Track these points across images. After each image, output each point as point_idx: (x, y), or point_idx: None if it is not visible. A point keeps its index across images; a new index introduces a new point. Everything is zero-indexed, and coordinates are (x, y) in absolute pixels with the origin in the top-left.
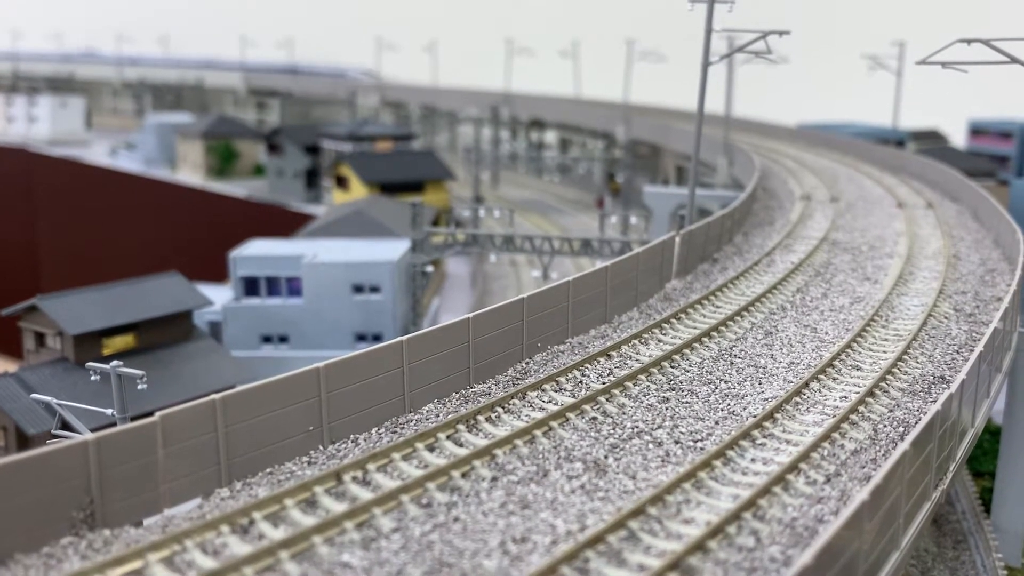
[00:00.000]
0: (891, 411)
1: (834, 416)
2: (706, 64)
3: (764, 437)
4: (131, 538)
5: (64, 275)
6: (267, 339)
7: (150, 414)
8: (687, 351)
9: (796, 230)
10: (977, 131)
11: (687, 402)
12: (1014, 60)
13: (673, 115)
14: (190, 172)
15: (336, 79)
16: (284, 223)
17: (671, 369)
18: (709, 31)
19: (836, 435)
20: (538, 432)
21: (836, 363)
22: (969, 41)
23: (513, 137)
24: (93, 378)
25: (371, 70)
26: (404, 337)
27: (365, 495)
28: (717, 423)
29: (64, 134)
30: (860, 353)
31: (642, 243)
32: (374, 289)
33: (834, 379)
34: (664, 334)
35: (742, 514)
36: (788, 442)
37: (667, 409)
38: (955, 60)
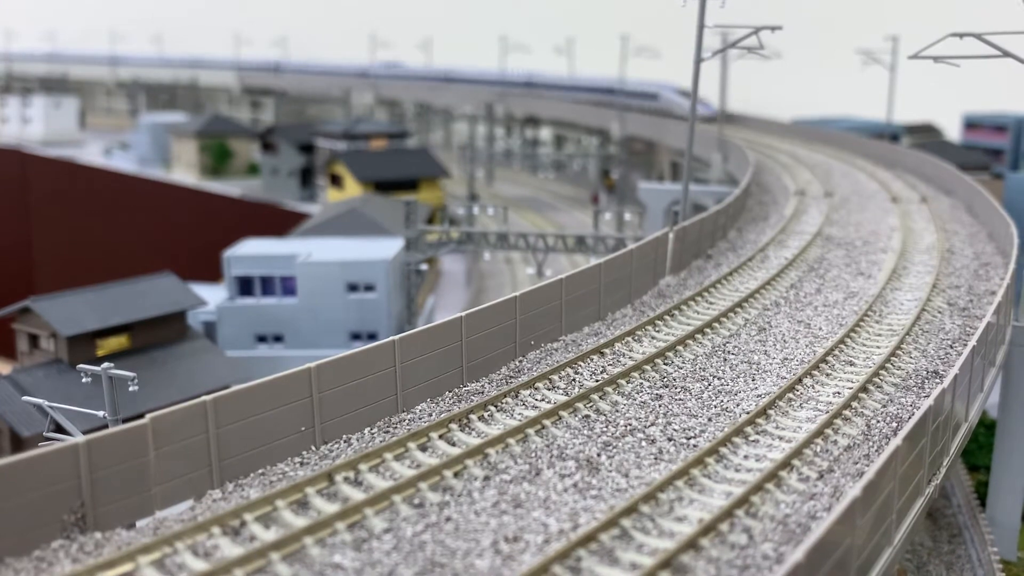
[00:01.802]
0: (884, 406)
1: (827, 412)
2: (698, 60)
3: (757, 434)
4: (122, 541)
5: (58, 276)
6: (262, 339)
7: (145, 415)
8: (680, 348)
9: (790, 225)
10: (971, 125)
11: (680, 399)
12: (1007, 54)
13: (668, 111)
14: (184, 171)
15: (650, 101)
16: (278, 222)
17: (664, 366)
18: (701, 26)
19: (829, 431)
20: (531, 430)
21: (829, 359)
22: (961, 35)
23: (508, 134)
24: (84, 380)
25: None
26: (396, 336)
27: (357, 495)
28: (710, 420)
29: (58, 134)
30: (854, 348)
31: (636, 239)
32: (369, 288)
33: (827, 375)
34: (658, 331)
35: (735, 511)
36: (781, 438)
37: (660, 406)
38: (947, 54)
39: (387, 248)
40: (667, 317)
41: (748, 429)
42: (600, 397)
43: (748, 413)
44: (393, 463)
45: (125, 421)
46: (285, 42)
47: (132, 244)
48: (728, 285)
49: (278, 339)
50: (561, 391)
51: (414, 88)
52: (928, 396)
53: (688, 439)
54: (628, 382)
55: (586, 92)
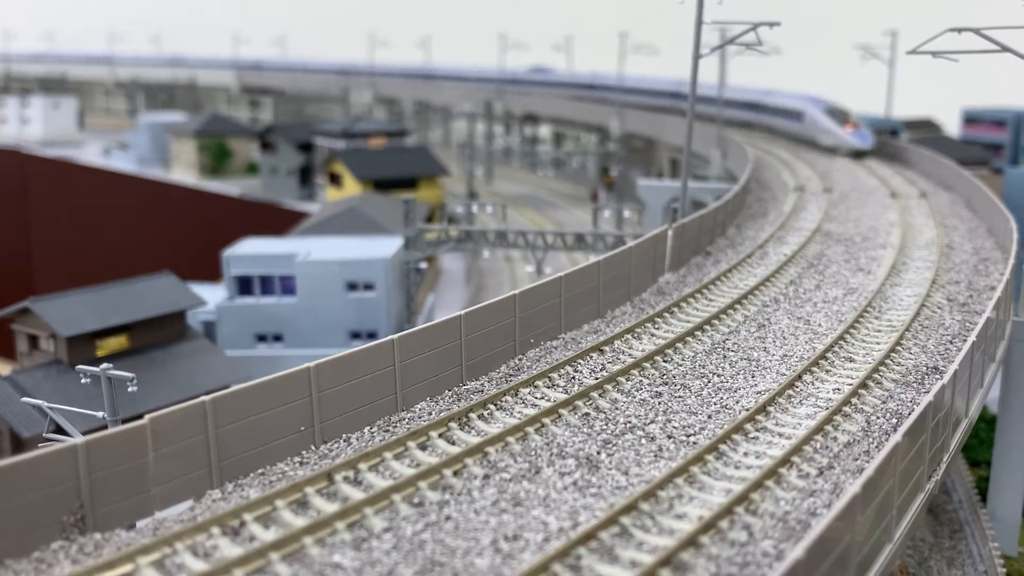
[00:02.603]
0: (884, 403)
1: (827, 408)
2: (696, 56)
3: (757, 431)
4: (122, 541)
5: (58, 276)
6: (261, 338)
7: (144, 416)
8: (680, 345)
9: (789, 222)
10: (971, 119)
11: (680, 396)
12: (1005, 49)
13: (667, 108)
14: (184, 171)
15: (794, 121)
16: (278, 221)
17: (664, 363)
18: (699, 23)
19: (829, 427)
20: (530, 429)
21: (829, 355)
22: (960, 30)
23: (507, 132)
24: (84, 381)
25: None
26: (395, 335)
27: (356, 495)
28: (710, 417)
29: (57, 135)
30: (853, 345)
31: (636, 237)
32: (368, 287)
33: (827, 371)
34: (657, 328)
35: (735, 508)
36: (781, 435)
37: (660, 404)
38: (946, 50)
39: (386, 247)
40: (666, 314)
41: (748, 426)
42: (600, 395)
43: (748, 410)
44: (393, 462)
45: (124, 422)
46: (284, 41)
47: (131, 244)
48: (727, 282)
49: (278, 338)
50: (561, 389)
51: (412, 86)
52: (928, 392)
53: (688, 436)
54: (628, 379)
55: (737, 108)
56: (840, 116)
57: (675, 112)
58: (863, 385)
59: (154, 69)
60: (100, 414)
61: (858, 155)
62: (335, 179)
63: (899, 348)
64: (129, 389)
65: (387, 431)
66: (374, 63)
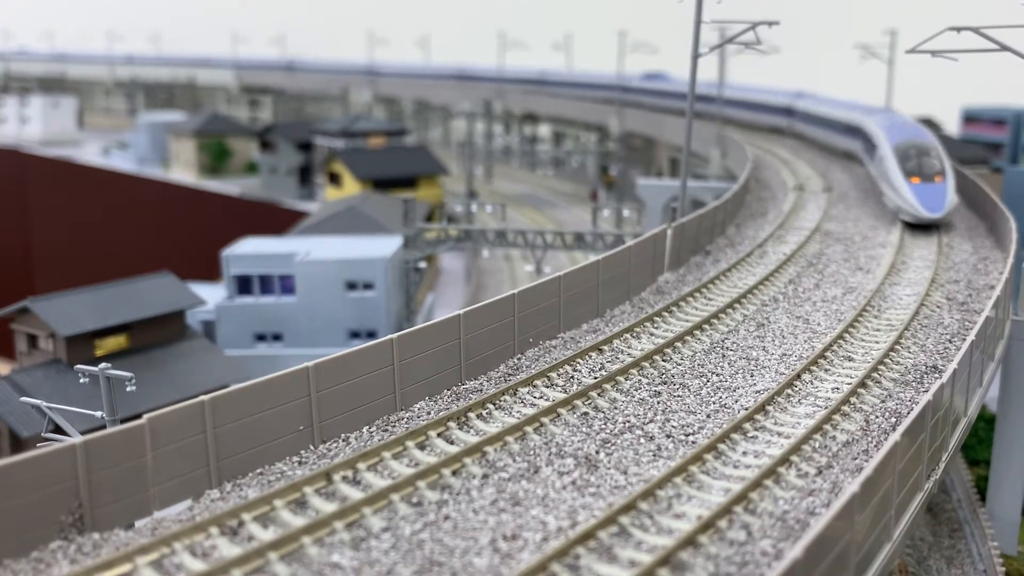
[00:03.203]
0: (883, 402)
1: (826, 408)
2: (695, 56)
3: (756, 430)
4: (120, 541)
5: (58, 275)
6: (261, 337)
7: (143, 415)
8: (679, 344)
9: (789, 221)
10: (970, 118)
11: (679, 396)
12: (1005, 48)
13: (666, 107)
14: (183, 170)
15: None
16: (277, 220)
17: (663, 363)
18: (698, 22)
19: (828, 427)
20: (529, 428)
21: (828, 354)
22: (959, 29)
23: (506, 131)
24: (82, 380)
25: None
26: (394, 335)
27: (355, 495)
28: (709, 416)
29: (56, 134)
30: (852, 344)
31: (635, 236)
32: (367, 286)
33: (826, 370)
34: (656, 327)
35: (733, 508)
36: (780, 435)
37: (659, 403)
38: (945, 48)
39: (386, 246)
40: (665, 314)
41: (747, 425)
42: (599, 394)
43: (747, 409)
44: (391, 462)
45: (123, 421)
46: (283, 39)
47: (131, 244)
48: (726, 281)
49: (277, 338)
50: (559, 388)
51: (412, 85)
52: (927, 391)
53: (687, 436)
54: (627, 379)
55: (839, 132)
56: (912, 158)
57: (787, 134)
58: (862, 384)
59: (154, 68)
60: (99, 414)
61: (926, 226)
62: (334, 178)
63: (898, 347)
64: (128, 389)
65: (386, 431)
66: (495, 66)
